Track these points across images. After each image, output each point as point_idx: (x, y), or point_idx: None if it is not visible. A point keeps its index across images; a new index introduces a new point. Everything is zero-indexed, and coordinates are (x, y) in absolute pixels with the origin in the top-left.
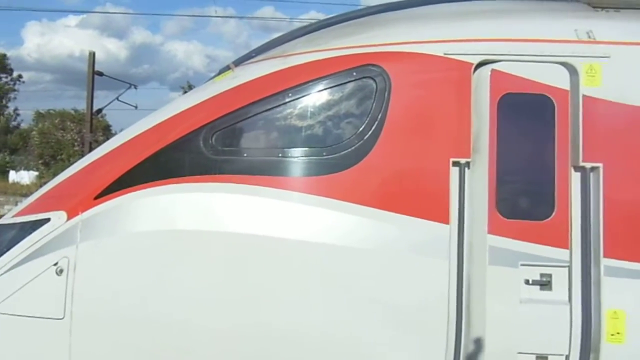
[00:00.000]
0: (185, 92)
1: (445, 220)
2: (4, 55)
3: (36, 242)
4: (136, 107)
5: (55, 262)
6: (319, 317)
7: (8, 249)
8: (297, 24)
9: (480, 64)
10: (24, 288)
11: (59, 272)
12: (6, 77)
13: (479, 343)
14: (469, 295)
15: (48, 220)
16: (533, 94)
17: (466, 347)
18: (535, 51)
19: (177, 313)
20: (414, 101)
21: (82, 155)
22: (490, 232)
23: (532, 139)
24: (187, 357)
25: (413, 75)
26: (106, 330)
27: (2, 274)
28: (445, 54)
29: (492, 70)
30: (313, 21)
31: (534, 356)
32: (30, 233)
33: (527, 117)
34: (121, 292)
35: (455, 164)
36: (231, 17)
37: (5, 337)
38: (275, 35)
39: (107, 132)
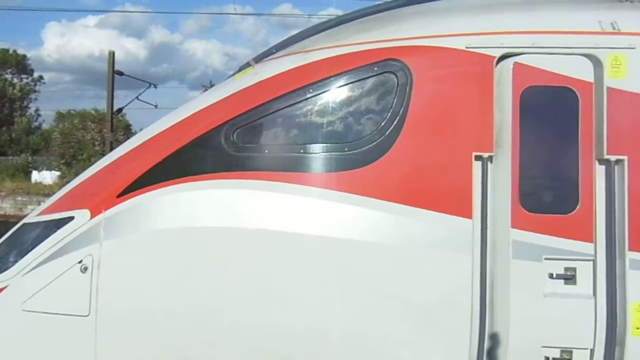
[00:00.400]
0: (205, 90)
1: (468, 214)
2: (24, 56)
3: (60, 240)
4: (156, 106)
5: (79, 259)
6: (341, 313)
7: (33, 248)
8: (315, 21)
9: (503, 57)
10: (49, 286)
11: (84, 269)
12: (27, 78)
13: (502, 337)
14: (492, 289)
15: (72, 218)
16: (556, 86)
17: (490, 342)
18: (558, 43)
19: (199, 308)
20: (435, 95)
21: (103, 155)
22: (513, 226)
23: (555, 132)
24: (211, 352)
25: (434, 70)
26: (130, 326)
27: (27, 272)
28: (467, 47)
29: (515, 63)
30: (332, 17)
31: (559, 350)
32: (55, 231)
33: (550, 110)
34: (144, 288)
35: (478, 158)
36: (249, 14)
37: (31, 333)
38: (294, 32)
39: (128, 131)
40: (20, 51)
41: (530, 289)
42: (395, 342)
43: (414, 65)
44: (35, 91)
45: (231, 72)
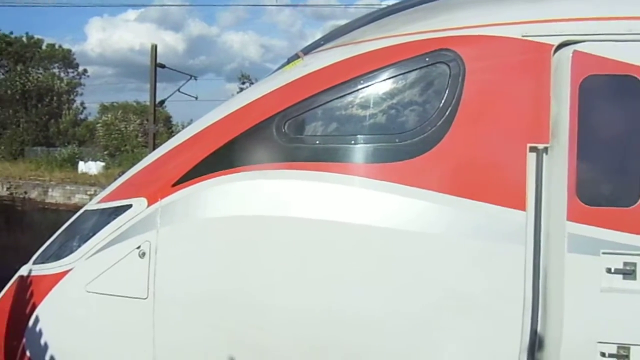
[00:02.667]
0: (243, 82)
1: (521, 206)
2: (70, 51)
3: (120, 226)
4: (196, 98)
5: (138, 245)
6: (389, 301)
7: (94, 233)
8: (352, 11)
9: (561, 45)
10: (110, 269)
11: (142, 255)
12: (73, 72)
13: (556, 332)
14: (545, 283)
15: (130, 206)
16: (619, 75)
17: (542, 336)
18: (622, 30)
19: (248, 294)
20: (489, 86)
21: (146, 146)
22: (569, 218)
23: (616, 123)
24: (261, 335)
25: (489, 59)
26: (186, 309)
27: (90, 256)
28: (523, 36)
29: (574, 52)
30: (372, 8)
31: (616, 346)
32: (114, 218)
33: (611, 99)
34: (198, 274)
35: (533, 149)
36: (286, 5)
37: (94, 313)
38: (330, 23)
39: (168, 123)
40: (66, 46)
41: (586, 283)
42: (445, 331)
43: (467, 55)
44: (80, 84)
45: (267, 64)
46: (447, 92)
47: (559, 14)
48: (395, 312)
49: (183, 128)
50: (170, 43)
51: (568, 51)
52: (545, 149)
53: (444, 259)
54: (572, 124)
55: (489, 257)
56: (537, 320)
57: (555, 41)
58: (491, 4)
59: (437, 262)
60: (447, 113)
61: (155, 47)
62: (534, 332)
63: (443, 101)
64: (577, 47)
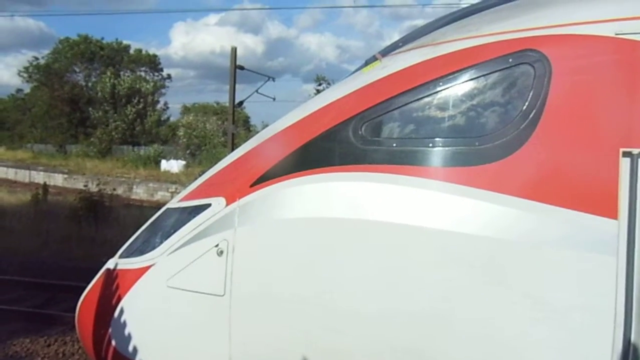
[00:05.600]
0: (319, 84)
1: (612, 214)
2: (155, 56)
3: (200, 225)
4: (274, 99)
5: (216, 244)
6: (470, 309)
7: (175, 231)
8: (429, 11)
9: None
10: (189, 266)
11: (220, 253)
12: (157, 76)
13: None
14: None
15: (209, 205)
16: None
17: (635, 352)
18: None
19: (324, 295)
20: (577, 87)
21: (226, 146)
22: None
23: None
24: (337, 338)
25: (577, 60)
26: (261, 308)
27: (171, 253)
28: (617, 34)
29: None
30: (450, 8)
31: None
32: (194, 217)
33: None
34: (274, 274)
35: (626, 154)
36: (363, 6)
37: (174, 307)
38: (407, 23)
39: (247, 124)
40: (152, 51)
41: None
42: (525, 341)
43: (553, 56)
44: (164, 87)
45: (344, 65)
46: (531, 94)
47: None
48: (474, 319)
49: (263, 129)
50: (249, 45)
51: None
52: None
53: (525, 268)
54: None
55: (575, 268)
56: (630, 335)
57: None
58: (579, 1)
59: (517, 270)
60: (531, 116)
61: (235, 49)
62: (625, 350)
63: (527, 104)
64: None
